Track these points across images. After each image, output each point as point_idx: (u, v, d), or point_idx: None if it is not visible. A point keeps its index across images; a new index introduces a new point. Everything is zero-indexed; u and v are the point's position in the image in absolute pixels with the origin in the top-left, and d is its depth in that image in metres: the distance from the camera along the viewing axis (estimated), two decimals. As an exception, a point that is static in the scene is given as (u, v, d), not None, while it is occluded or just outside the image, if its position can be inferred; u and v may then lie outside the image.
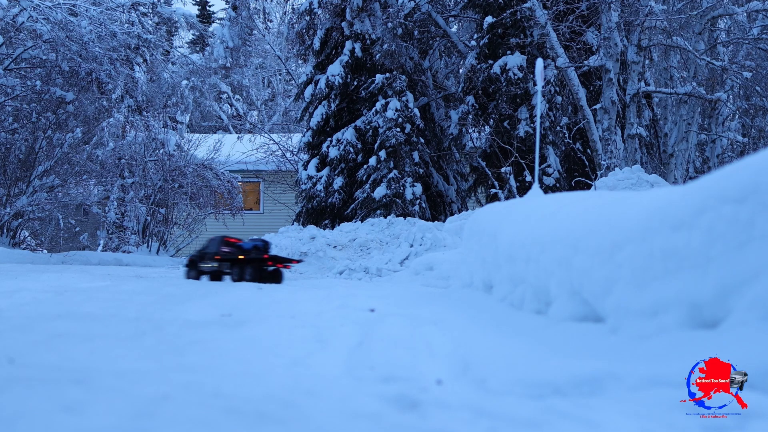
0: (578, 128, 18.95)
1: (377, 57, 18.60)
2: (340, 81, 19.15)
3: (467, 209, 19.41)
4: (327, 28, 19.68)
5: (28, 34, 20.83)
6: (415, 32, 20.03)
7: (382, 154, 18.01)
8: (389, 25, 18.13)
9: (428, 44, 20.84)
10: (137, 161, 24.13)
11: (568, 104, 19.60)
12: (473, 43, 19.28)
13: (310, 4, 19.54)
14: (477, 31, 19.30)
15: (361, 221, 17.73)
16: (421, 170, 18.56)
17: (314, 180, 19.32)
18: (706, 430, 2.44)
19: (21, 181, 21.50)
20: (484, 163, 18.73)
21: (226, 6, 27.92)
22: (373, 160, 18.14)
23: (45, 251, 23.34)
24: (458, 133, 19.20)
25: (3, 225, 21.16)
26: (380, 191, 17.81)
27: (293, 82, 29.49)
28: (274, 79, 31.19)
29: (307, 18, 20.02)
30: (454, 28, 22.21)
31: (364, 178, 18.42)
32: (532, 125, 18.51)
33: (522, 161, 17.80)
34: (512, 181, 17.57)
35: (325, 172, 19.24)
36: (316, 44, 19.68)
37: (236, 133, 31.52)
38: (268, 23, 24.04)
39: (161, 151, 24.46)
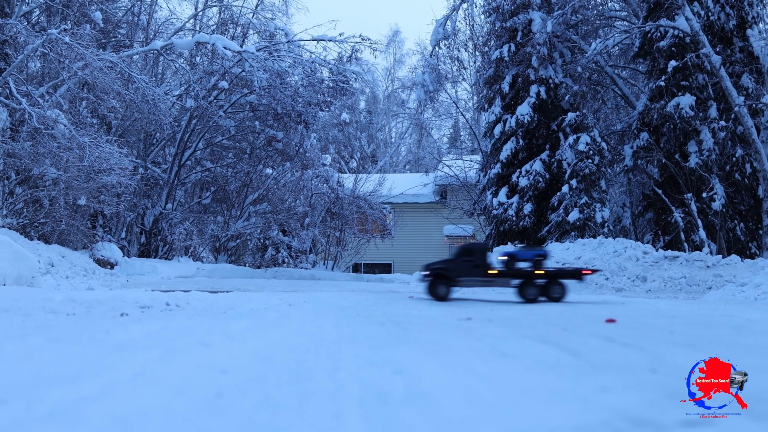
0: (736, 160, 21.42)
1: (567, 98, 21.44)
2: (528, 119, 21.97)
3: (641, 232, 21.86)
4: (513, 74, 22.59)
5: (245, 82, 24.06)
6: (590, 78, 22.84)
7: (574, 182, 20.65)
8: (578, 69, 20.99)
9: (596, 90, 23.63)
10: (304, 193, 27.33)
11: (729, 138, 22.01)
12: (636, 89, 21.97)
13: (501, 53, 22.50)
14: (647, 76, 22.00)
15: (557, 242, 20.34)
16: (607, 197, 21.16)
17: (505, 206, 22.02)
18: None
19: (235, 208, 24.73)
20: (660, 191, 21.18)
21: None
22: (565, 188, 20.77)
23: (247, 266, 26.35)
24: (633, 165, 21.76)
25: (223, 244, 24.36)
26: (574, 215, 20.38)
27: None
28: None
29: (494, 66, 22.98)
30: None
31: (556, 203, 21.06)
32: (701, 157, 20.96)
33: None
34: (693, 206, 20.02)
35: (515, 199, 21.95)
36: (505, 88, 22.55)
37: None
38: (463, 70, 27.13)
39: (325, 186, 27.64)
